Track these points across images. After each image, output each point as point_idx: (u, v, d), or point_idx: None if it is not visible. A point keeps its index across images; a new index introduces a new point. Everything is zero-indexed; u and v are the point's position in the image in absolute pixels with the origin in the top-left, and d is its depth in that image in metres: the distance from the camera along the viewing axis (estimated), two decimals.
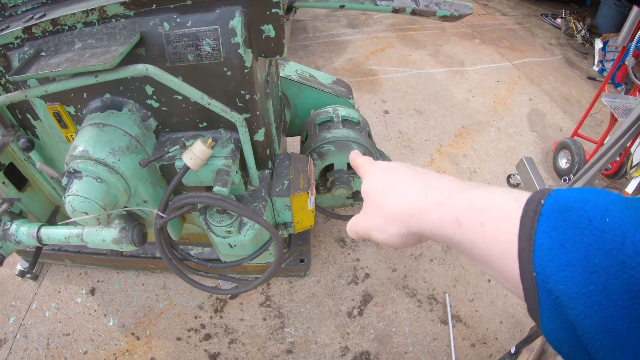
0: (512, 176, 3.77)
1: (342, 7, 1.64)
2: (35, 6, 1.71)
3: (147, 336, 2.65)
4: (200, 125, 1.78)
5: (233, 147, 1.74)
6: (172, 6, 1.46)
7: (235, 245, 1.89)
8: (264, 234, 1.95)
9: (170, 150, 1.62)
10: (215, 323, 2.67)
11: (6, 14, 1.74)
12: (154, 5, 1.46)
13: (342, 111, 2.55)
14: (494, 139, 4.31)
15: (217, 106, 1.56)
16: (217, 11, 1.46)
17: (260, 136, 1.84)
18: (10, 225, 2.13)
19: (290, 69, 2.68)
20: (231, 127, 1.78)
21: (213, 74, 1.58)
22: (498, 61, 5.82)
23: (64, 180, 1.59)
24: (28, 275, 3.08)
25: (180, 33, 1.48)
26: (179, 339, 2.62)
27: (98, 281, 2.96)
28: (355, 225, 0.71)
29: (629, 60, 3.56)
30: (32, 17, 1.61)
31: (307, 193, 1.97)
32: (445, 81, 5.25)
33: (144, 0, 1.44)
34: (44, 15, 1.58)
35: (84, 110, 1.76)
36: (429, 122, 4.47)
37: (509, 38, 6.55)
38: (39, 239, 2.05)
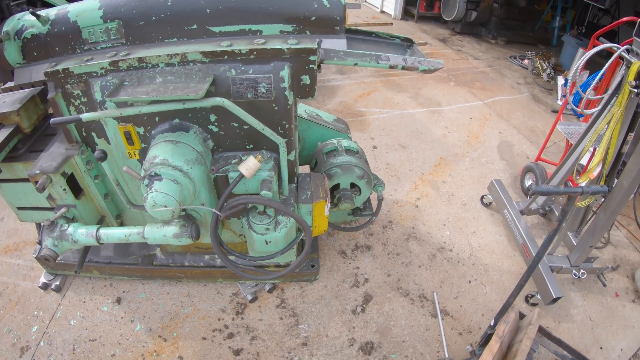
0: (484, 196, 4.51)
1: (355, 64, 2.34)
2: (114, 45, 2.36)
3: (174, 338, 3.14)
4: (247, 147, 2.42)
5: (273, 164, 2.38)
6: (239, 58, 2.13)
7: (270, 242, 2.50)
8: (292, 233, 2.57)
9: (231, 162, 2.26)
10: (237, 323, 3.21)
11: (85, 48, 2.40)
12: (226, 57, 2.13)
13: (345, 142, 3.23)
14: (469, 167, 5.09)
15: (268, 131, 2.21)
16: (272, 64, 2.14)
17: (292, 156, 2.49)
18: (68, 227, 2.66)
19: (300, 109, 3.34)
20: (271, 148, 2.42)
21: (264, 108, 2.24)
22: (471, 101, 6.73)
23: (145, 182, 2.17)
24: (52, 288, 3.53)
25: (243, 77, 2.14)
26: (204, 338, 3.13)
27: (124, 292, 3.46)
28: None
29: (589, 93, 4.40)
30: (117, 54, 2.25)
31: (326, 201, 2.61)
32: (424, 120, 6.09)
33: (219, 52, 2.11)
34: (129, 53, 2.22)
35: (152, 132, 2.38)
36: (412, 155, 5.25)
37: (481, 80, 7.52)
38: (97, 238, 2.59)
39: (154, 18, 2.26)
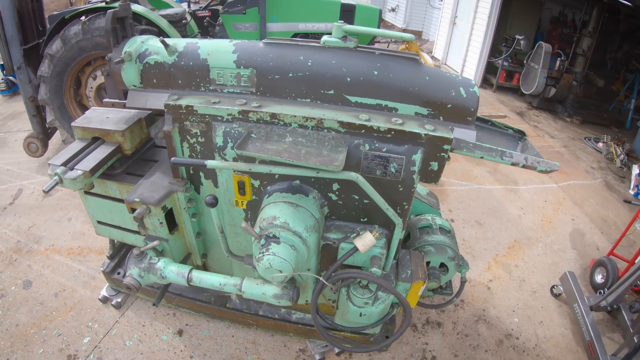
0: (555, 287, 4.41)
1: (481, 157, 2.34)
2: (243, 92, 2.39)
3: None
4: (361, 219, 2.44)
5: (385, 241, 2.39)
6: (375, 135, 2.16)
7: (364, 315, 2.49)
8: (387, 308, 2.56)
9: (351, 236, 2.28)
10: None
11: (210, 87, 2.43)
12: (363, 131, 2.15)
13: (439, 221, 3.21)
14: (541, 253, 5.00)
15: (391, 212, 2.23)
16: (406, 146, 2.16)
17: (401, 235, 2.49)
18: (158, 261, 2.69)
19: None
20: (384, 224, 2.42)
21: (389, 187, 2.25)
22: (546, 182, 6.67)
23: (262, 242, 2.17)
24: (112, 303, 3.57)
25: (375, 154, 2.17)
26: None
27: (187, 325, 3.48)
28: None
29: None
30: (246, 103, 2.27)
31: (424, 282, 2.60)
32: (501, 197, 6.09)
33: (358, 125, 2.14)
34: (261, 105, 2.25)
35: (269, 187, 2.41)
36: (487, 234, 5.24)
37: (556, 160, 7.38)
38: (188, 280, 2.61)
39: (290, 75, 2.31)
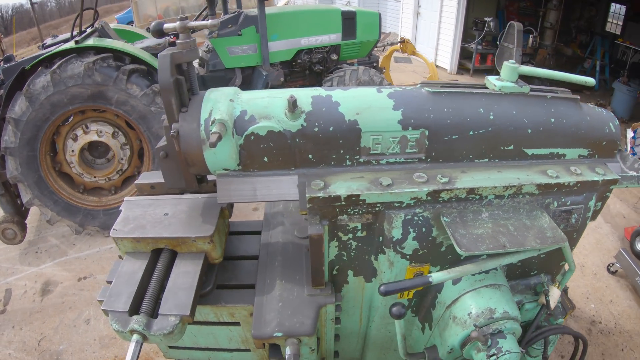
0: (610, 265, 4.47)
1: (626, 186, 2.21)
2: (408, 160, 1.83)
3: None
4: (531, 274, 2.23)
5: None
6: (564, 190, 1.90)
7: None
8: None
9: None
10: None
11: (360, 160, 1.79)
12: (555, 189, 1.88)
13: None
14: (585, 234, 4.98)
15: (574, 264, 2.03)
16: (584, 195, 1.95)
17: None
18: None
19: None
20: (547, 271, 2.25)
21: None
22: None
23: (489, 342, 1.75)
24: None
25: (561, 209, 1.95)
26: None
27: None
28: None
29: None
30: (427, 179, 1.72)
31: (573, 309, 2.45)
32: None
33: (553, 184, 1.85)
34: (450, 181, 1.73)
35: None
36: None
37: None
38: None
39: (471, 133, 1.83)
